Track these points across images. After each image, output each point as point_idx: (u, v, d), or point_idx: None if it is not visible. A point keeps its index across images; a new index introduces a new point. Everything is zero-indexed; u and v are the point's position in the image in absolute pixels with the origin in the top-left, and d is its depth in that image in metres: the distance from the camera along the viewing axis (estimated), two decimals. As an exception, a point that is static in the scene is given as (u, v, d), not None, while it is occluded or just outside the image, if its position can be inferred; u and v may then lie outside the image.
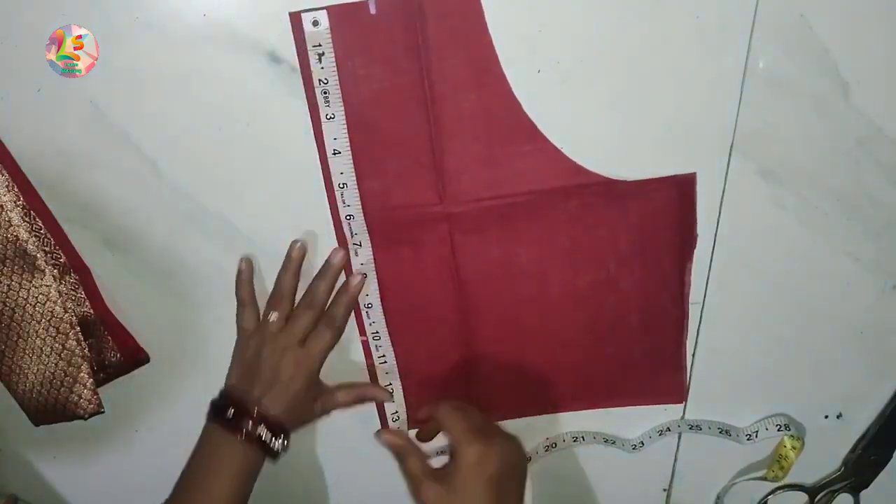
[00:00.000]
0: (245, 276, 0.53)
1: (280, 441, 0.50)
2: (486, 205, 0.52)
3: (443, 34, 0.47)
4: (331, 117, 0.49)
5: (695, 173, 0.51)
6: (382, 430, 0.60)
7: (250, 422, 0.49)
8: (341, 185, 0.51)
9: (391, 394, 0.59)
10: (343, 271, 0.54)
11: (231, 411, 0.50)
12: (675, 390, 0.59)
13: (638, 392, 0.60)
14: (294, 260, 0.53)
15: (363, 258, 0.54)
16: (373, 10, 0.46)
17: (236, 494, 0.49)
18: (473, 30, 0.47)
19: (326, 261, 0.53)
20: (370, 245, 0.53)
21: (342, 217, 0.52)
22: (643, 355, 0.57)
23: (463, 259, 0.54)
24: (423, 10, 0.46)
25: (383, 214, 0.52)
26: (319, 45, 0.46)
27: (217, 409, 0.51)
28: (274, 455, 0.50)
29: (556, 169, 0.51)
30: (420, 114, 0.49)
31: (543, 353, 0.58)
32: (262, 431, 0.49)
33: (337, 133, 0.49)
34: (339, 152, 0.50)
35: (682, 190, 0.52)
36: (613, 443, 0.60)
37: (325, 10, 0.46)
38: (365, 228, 0.53)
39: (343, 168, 0.51)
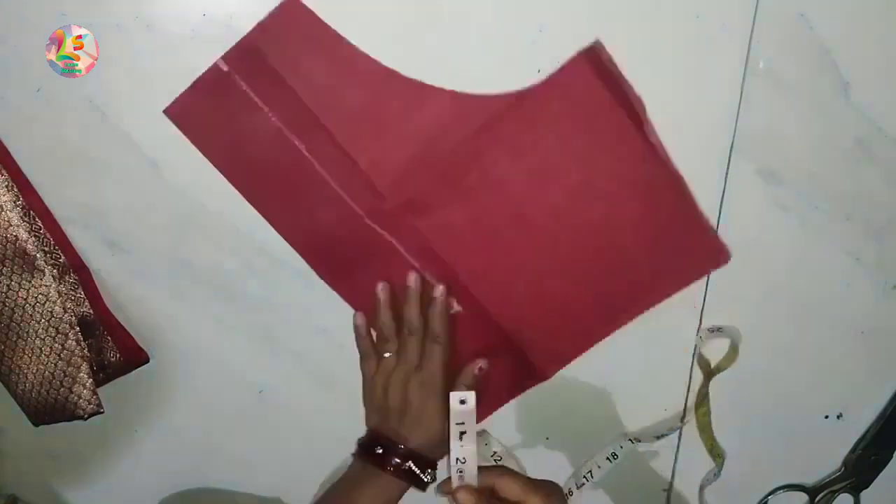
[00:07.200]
0: (363, 331, 0.57)
1: (428, 472, 0.53)
2: (423, 174, 0.51)
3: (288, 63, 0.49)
4: None
5: (598, 41, 0.48)
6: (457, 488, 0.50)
7: (397, 458, 0.52)
8: None
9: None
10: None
11: (379, 450, 0.52)
12: (713, 253, 0.54)
13: (676, 272, 0.55)
14: (384, 301, 0.55)
15: None
16: (224, 68, 0.48)
17: None
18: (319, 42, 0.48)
19: (406, 287, 0.55)
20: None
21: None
22: (662, 234, 0.53)
23: (438, 242, 0.53)
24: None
25: (354, 235, 0.53)
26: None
27: (365, 448, 0.54)
28: (423, 485, 0.53)
29: (457, 108, 0.50)
30: (323, 137, 0.50)
31: (567, 279, 0.55)
32: (411, 465, 0.52)
33: None
34: None
35: (594, 63, 0.48)
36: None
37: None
38: None
39: None
